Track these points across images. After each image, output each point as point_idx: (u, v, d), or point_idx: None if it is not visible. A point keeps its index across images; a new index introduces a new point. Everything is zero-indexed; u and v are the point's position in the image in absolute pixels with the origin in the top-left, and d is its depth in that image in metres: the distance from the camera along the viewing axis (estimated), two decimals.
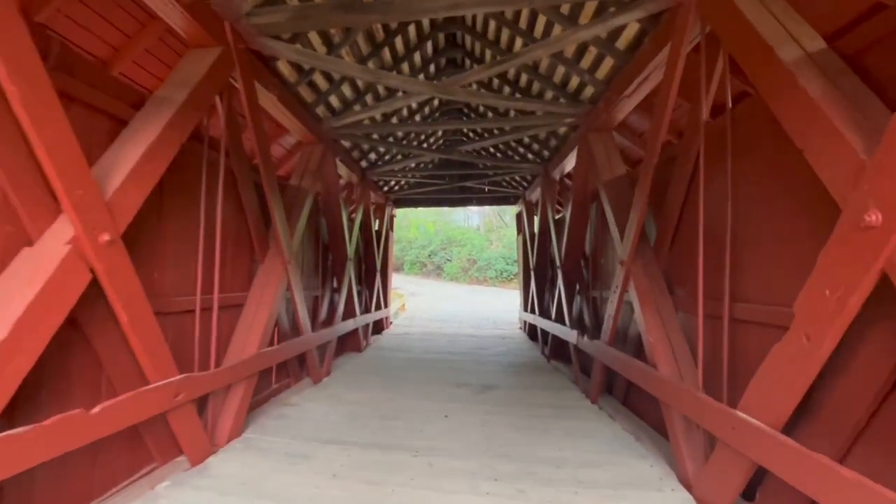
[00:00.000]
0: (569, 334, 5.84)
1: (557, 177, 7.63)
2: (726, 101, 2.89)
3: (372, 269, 9.78)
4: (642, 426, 4.01)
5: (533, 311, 9.24)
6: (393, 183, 11.04)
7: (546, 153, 7.81)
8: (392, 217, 12.27)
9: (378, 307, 10.15)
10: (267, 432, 3.84)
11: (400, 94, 5.71)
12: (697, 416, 2.71)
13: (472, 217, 42.71)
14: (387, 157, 8.72)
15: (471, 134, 8.98)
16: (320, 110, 5.76)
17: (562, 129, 6.65)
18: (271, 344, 4.68)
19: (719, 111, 3.28)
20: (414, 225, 39.08)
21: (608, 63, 4.57)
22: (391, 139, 7.49)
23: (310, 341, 5.31)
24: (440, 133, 9.12)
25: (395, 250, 35.22)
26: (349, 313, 7.61)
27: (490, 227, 37.17)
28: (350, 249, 7.34)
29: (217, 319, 3.56)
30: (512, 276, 28.97)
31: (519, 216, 11.72)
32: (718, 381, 2.77)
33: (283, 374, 5.50)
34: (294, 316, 5.19)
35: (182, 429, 3.00)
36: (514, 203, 11.81)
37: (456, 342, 9.22)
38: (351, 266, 7.41)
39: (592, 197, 5.89)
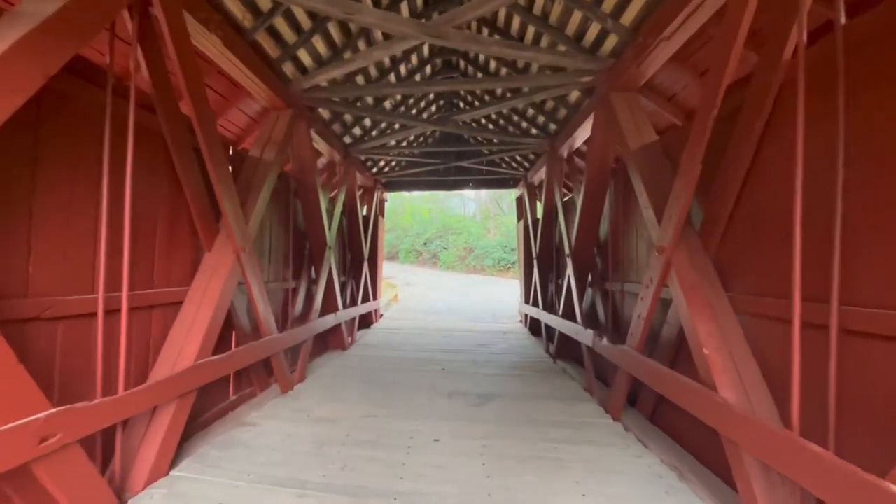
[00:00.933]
0: (582, 334, 5.00)
1: (566, 153, 6.71)
2: (836, 12, 2.00)
3: (358, 258, 8.90)
4: (683, 455, 3.19)
5: (536, 304, 8.41)
6: (382, 164, 10.11)
7: (553, 126, 6.88)
8: (382, 201, 11.35)
9: (366, 299, 9.29)
10: (205, 468, 2.99)
11: (380, 37, 4.77)
12: (796, 473, 1.87)
13: (468, 205, 41.75)
14: (373, 133, 7.76)
15: (468, 97, 7.97)
16: (288, 69, 4.81)
17: (573, 96, 5.73)
18: (225, 349, 3.81)
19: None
20: (409, 212, 38.20)
21: (638, 2, 3.66)
22: (375, 106, 6.53)
23: (273, 345, 4.44)
24: (432, 99, 8.14)
25: (389, 238, 34.48)
26: (330, 308, 6.74)
27: (487, 215, 36.27)
28: (330, 236, 6.44)
29: (138, 323, 2.71)
30: (510, 265, 28.20)
31: (519, 200, 10.82)
32: (810, 414, 1.94)
33: (244, 382, 4.64)
34: (254, 314, 4.32)
35: (62, 482, 2.14)
36: (514, 186, 10.89)
37: (451, 338, 8.39)
38: (332, 255, 6.52)
39: (612, 173, 5.01)
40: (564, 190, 7.31)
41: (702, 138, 2.69)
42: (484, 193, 41.15)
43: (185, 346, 3.17)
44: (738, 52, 2.46)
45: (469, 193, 42.66)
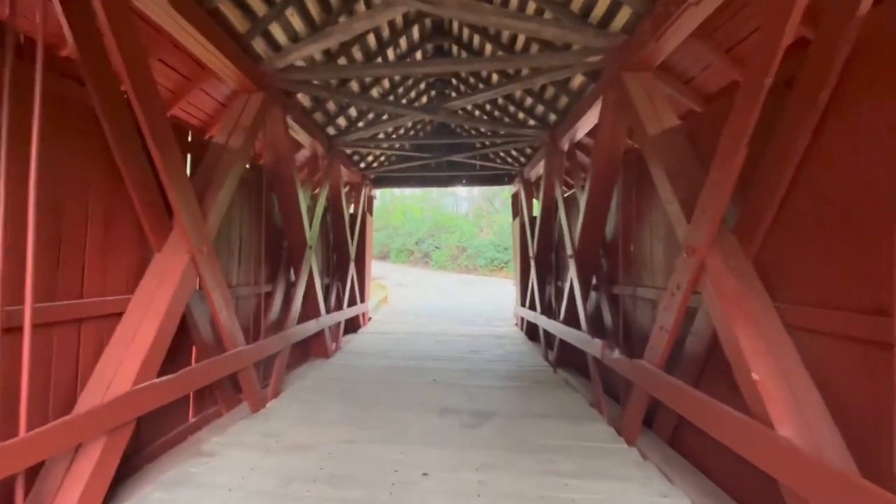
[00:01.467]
0: (589, 344, 4.51)
1: (566, 146, 6.22)
2: None
3: (344, 258, 8.35)
4: (717, 495, 2.70)
5: (533, 308, 7.93)
6: (371, 159, 9.56)
7: (552, 117, 6.40)
8: (370, 199, 10.80)
9: (353, 302, 8.75)
10: None
11: (363, 7, 4.25)
12: None
13: (460, 203, 41.24)
14: (360, 124, 7.21)
15: (461, 86, 7.43)
16: (259, 46, 4.26)
17: (576, 81, 5.24)
18: (183, 366, 3.27)
19: None
20: (400, 209, 37.64)
21: None
22: (361, 93, 5.98)
23: (238, 360, 3.90)
24: (424, 88, 7.60)
25: (380, 237, 33.92)
26: (311, 313, 6.20)
27: (480, 213, 35.80)
28: (311, 235, 5.89)
29: (62, 341, 2.17)
30: (503, 265, 27.79)
31: (514, 197, 10.33)
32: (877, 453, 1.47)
33: (208, 401, 4.09)
34: (217, 325, 3.77)
35: None
36: (508, 183, 10.41)
37: (443, 344, 7.87)
38: (312, 255, 5.97)
39: (621, 165, 4.52)
40: (564, 187, 6.82)
41: (749, 115, 2.20)
42: (477, 192, 40.70)
43: (122, 367, 2.63)
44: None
45: (461, 192, 42.17)
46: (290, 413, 4.20)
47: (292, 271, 5.81)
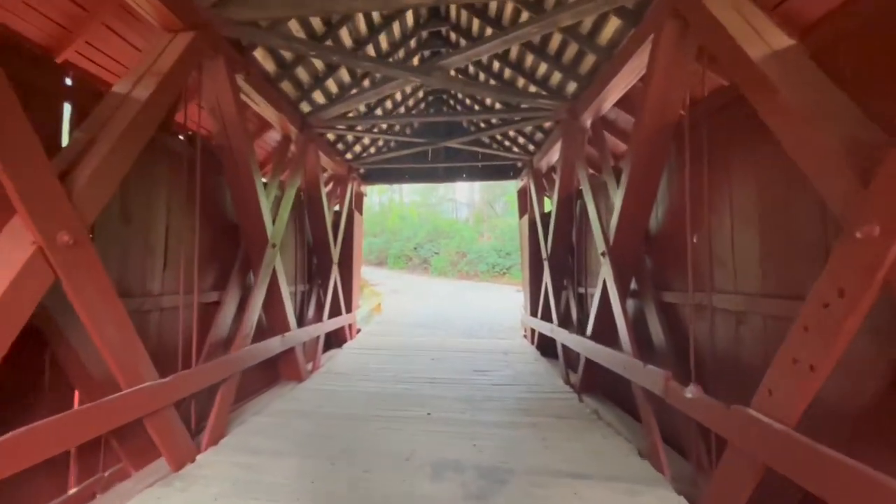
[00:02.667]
0: (638, 372, 3.31)
1: (588, 122, 5.08)
2: None
3: (325, 261, 7.16)
4: None
5: (547, 318, 6.74)
6: (359, 149, 8.43)
7: (572, 87, 5.26)
8: (360, 195, 9.65)
9: (336, 312, 7.55)
10: None
11: None
12: None
13: (460, 209, 40.01)
14: (340, 99, 6.03)
15: (460, 40, 6.28)
16: None
17: (607, 31, 4.10)
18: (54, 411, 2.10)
19: None
20: (396, 214, 36.58)
21: None
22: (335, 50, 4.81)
23: (137, 402, 2.69)
24: (415, 48, 6.42)
25: (377, 243, 32.77)
26: (278, 327, 5.02)
27: (480, 218, 34.65)
28: (274, 231, 4.71)
29: None
30: (505, 271, 26.60)
31: (522, 193, 9.18)
32: None
33: (107, 458, 2.89)
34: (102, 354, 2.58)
35: None
36: (514, 177, 9.27)
37: (441, 362, 6.66)
38: (277, 256, 4.79)
39: (675, 130, 3.36)
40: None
41: None
42: (478, 197, 39.53)
43: None
44: None
45: (461, 197, 41.04)
46: (224, 474, 2.98)
47: (252, 276, 4.62)
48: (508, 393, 5.07)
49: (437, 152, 9.05)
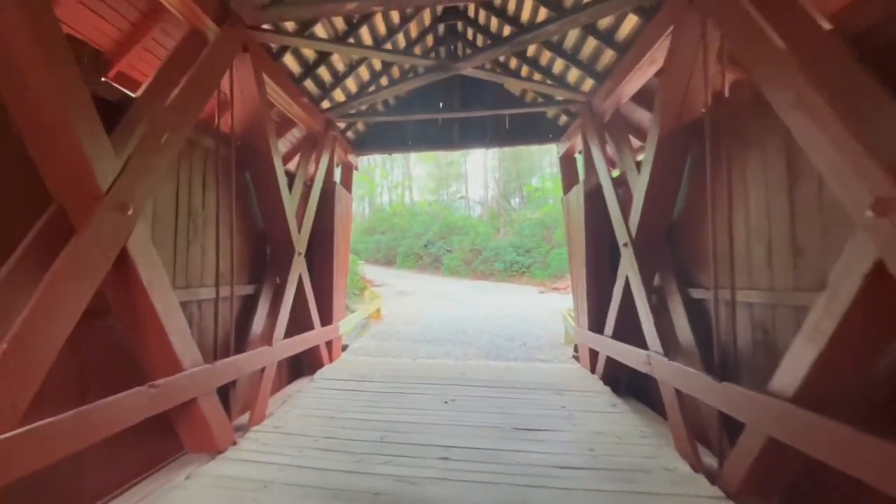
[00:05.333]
0: None
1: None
2: None
3: (281, 251, 4.76)
4: None
5: (623, 337, 4.28)
6: (343, 98, 6.01)
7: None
8: (348, 166, 7.26)
9: (304, 326, 5.16)
10: None
11: None
12: None
13: (473, 208, 37.27)
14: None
15: (477, 37, 4.11)
16: None
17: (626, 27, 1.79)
18: None
19: None
20: (408, 211, 34.37)
21: None
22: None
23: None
24: (430, 46, 4.08)
25: (385, 241, 30.51)
26: (158, 366, 2.63)
27: (495, 215, 32.07)
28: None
29: None
30: (524, 269, 24.07)
31: (565, 159, 6.69)
32: None
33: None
34: None
35: None
36: (553, 140, 6.82)
37: (461, 411, 4.15)
38: (146, 234, 2.41)
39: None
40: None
41: None
42: (490, 195, 36.60)
43: None
44: None
45: (474, 195, 38.22)
46: None
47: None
48: (581, 484, 2.62)
49: (450, 110, 6.68)
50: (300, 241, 4.90)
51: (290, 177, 5.18)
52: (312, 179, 5.54)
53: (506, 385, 4.95)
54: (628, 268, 4.07)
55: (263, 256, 4.68)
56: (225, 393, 3.58)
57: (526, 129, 6.90)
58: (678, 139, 3.42)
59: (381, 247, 29.91)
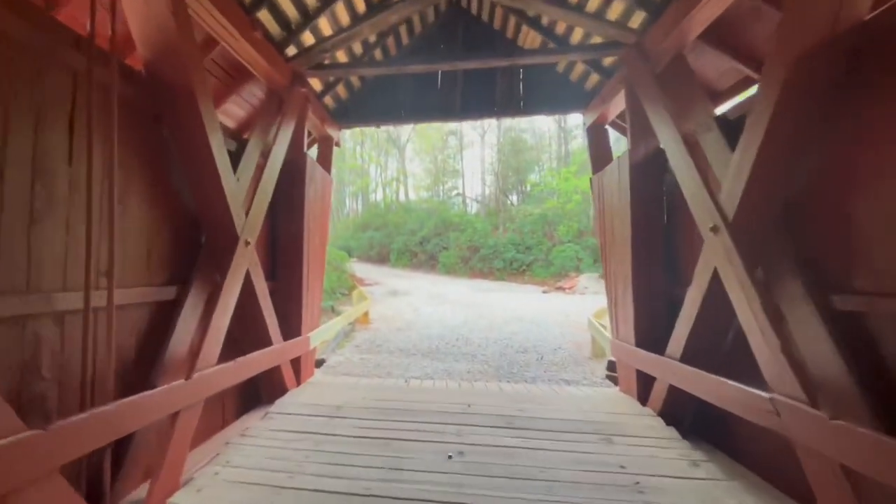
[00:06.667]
0: None
1: None
2: None
3: (220, 241, 3.40)
4: None
5: (693, 361, 2.99)
6: (312, 42, 4.65)
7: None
8: (327, 140, 5.94)
9: (258, 341, 3.83)
10: None
11: None
12: None
13: (469, 205, 35.83)
14: None
15: None
16: None
17: None
18: None
19: None
20: (402, 207, 33.11)
21: None
22: None
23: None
24: None
25: (378, 238, 29.12)
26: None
27: (493, 211, 30.72)
28: None
29: None
30: (524, 267, 22.80)
31: (595, 130, 5.39)
32: None
33: None
34: None
35: None
36: (577, 108, 5.54)
37: (471, 475, 2.86)
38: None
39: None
40: None
41: None
42: (489, 192, 35.18)
43: None
44: None
45: (470, 192, 36.75)
46: None
47: None
48: None
49: (451, 77, 5.44)
50: (248, 227, 3.55)
51: (241, 143, 3.88)
52: (271, 142, 4.21)
53: (530, 423, 3.61)
54: (720, 262, 2.83)
55: (194, 247, 3.34)
56: (124, 447, 2.31)
57: (544, 95, 5.61)
58: (819, 66, 2.15)
59: (375, 244, 28.68)
